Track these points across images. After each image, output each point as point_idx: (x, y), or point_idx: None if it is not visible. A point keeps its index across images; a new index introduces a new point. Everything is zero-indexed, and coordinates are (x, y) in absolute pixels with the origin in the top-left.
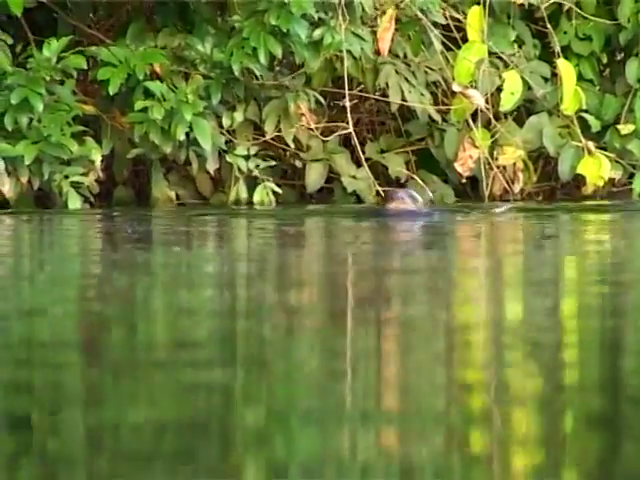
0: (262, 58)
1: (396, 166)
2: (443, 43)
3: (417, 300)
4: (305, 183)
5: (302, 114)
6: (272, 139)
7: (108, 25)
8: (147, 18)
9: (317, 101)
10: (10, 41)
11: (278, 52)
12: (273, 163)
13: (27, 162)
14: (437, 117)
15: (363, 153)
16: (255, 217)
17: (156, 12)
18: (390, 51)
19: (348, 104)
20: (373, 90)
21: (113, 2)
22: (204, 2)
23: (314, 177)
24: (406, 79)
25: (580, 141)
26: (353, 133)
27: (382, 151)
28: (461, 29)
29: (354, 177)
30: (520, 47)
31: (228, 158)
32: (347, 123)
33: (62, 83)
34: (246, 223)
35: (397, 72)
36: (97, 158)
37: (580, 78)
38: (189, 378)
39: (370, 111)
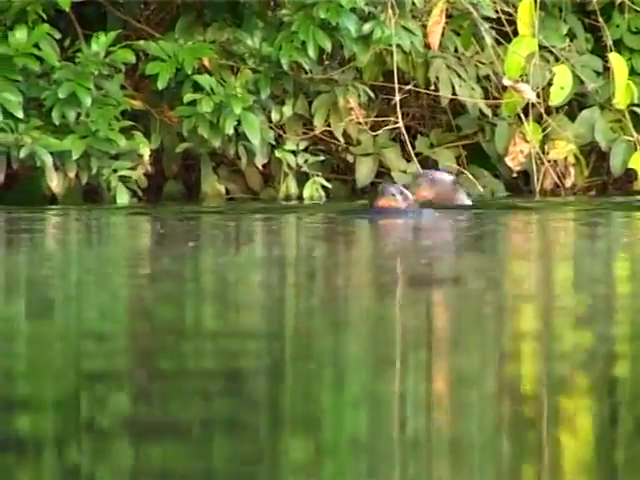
0: (311, 52)
1: (446, 161)
2: (494, 37)
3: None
4: (355, 178)
5: (351, 108)
6: (322, 133)
7: (158, 19)
8: (197, 12)
9: (367, 95)
10: (58, 35)
11: (327, 46)
12: (322, 158)
13: (75, 157)
14: (488, 111)
15: (414, 147)
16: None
17: (206, 6)
18: (441, 45)
19: (398, 98)
20: (424, 84)
21: None
22: None
23: (364, 172)
24: (457, 73)
25: (632, 135)
26: (403, 128)
27: (433, 145)
28: (512, 22)
29: (404, 172)
30: (572, 41)
31: (277, 153)
32: (399, 117)
33: (111, 78)
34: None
35: (448, 66)
36: (145, 152)
37: (632, 72)
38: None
39: (421, 105)
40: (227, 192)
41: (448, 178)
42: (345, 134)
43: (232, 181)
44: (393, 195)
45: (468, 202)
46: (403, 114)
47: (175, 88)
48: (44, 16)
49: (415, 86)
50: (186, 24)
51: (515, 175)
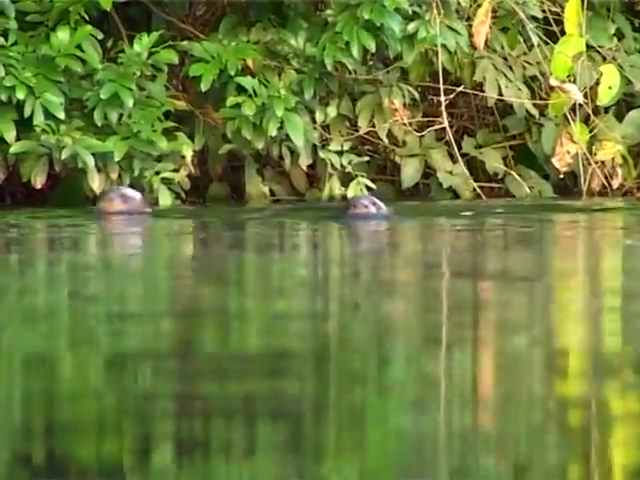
0: (355, 52)
1: (493, 161)
2: (541, 37)
3: None
4: (401, 179)
5: (395, 109)
6: (367, 134)
7: (203, 20)
8: (242, 13)
9: (412, 96)
10: (101, 36)
11: (371, 46)
12: (366, 159)
13: (117, 158)
14: (535, 112)
15: (460, 148)
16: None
17: (251, 7)
18: (487, 45)
19: (443, 99)
20: (471, 85)
21: None
22: None
23: (410, 172)
24: (503, 74)
25: None
26: (448, 128)
27: (480, 146)
28: (560, 22)
29: (450, 173)
30: (620, 40)
31: (321, 154)
32: (444, 118)
33: (154, 79)
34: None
35: (494, 67)
36: (188, 154)
37: None
38: None
39: (469, 106)
40: (272, 193)
41: (138, 195)
42: (391, 135)
43: (277, 182)
44: (366, 207)
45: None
46: (452, 115)
47: (220, 89)
48: (86, 17)
49: (462, 86)
50: (230, 25)
51: (562, 176)
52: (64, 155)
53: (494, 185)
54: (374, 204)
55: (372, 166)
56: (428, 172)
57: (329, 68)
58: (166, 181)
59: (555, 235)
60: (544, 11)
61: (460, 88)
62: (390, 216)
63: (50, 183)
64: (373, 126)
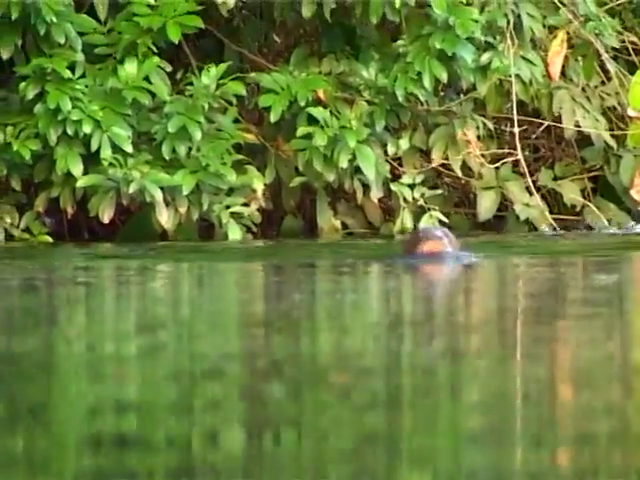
0: (427, 83)
1: (571, 193)
2: (619, 67)
3: None
4: (477, 211)
5: (468, 141)
6: (441, 166)
7: (276, 51)
8: (313, 43)
9: (487, 127)
10: (169, 68)
11: (443, 76)
12: (440, 191)
13: (185, 192)
14: (613, 143)
15: (536, 180)
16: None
17: (322, 37)
18: (564, 75)
19: (517, 130)
20: (550, 116)
21: (285, 27)
22: (374, 26)
23: (487, 205)
24: (581, 104)
25: None
26: (522, 160)
27: (558, 178)
28: (639, 52)
29: (527, 205)
30: None
31: (393, 187)
32: (518, 149)
33: (223, 111)
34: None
35: (572, 97)
36: (259, 187)
37: None
38: None
39: (548, 137)
40: (346, 227)
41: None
42: (466, 167)
43: (352, 216)
44: (440, 238)
45: None
46: (529, 146)
47: (291, 120)
48: (154, 49)
49: (539, 118)
50: (302, 56)
51: None
52: (132, 189)
53: (572, 217)
54: (447, 236)
55: (448, 199)
56: (504, 204)
57: (400, 99)
58: (236, 215)
59: None
60: (623, 41)
61: (545, 123)
62: (466, 256)
63: (120, 217)
64: (446, 158)
